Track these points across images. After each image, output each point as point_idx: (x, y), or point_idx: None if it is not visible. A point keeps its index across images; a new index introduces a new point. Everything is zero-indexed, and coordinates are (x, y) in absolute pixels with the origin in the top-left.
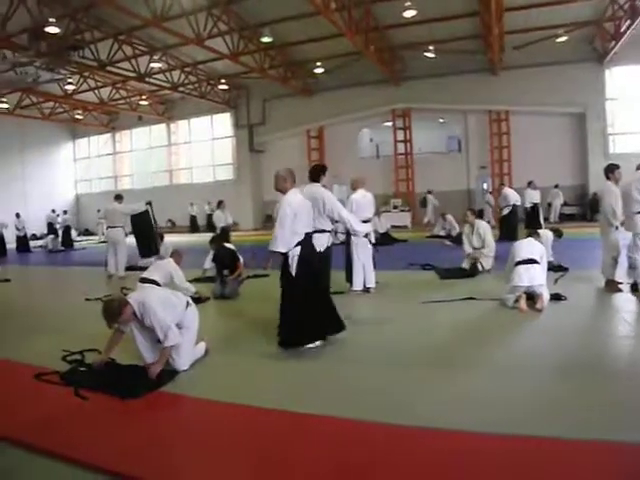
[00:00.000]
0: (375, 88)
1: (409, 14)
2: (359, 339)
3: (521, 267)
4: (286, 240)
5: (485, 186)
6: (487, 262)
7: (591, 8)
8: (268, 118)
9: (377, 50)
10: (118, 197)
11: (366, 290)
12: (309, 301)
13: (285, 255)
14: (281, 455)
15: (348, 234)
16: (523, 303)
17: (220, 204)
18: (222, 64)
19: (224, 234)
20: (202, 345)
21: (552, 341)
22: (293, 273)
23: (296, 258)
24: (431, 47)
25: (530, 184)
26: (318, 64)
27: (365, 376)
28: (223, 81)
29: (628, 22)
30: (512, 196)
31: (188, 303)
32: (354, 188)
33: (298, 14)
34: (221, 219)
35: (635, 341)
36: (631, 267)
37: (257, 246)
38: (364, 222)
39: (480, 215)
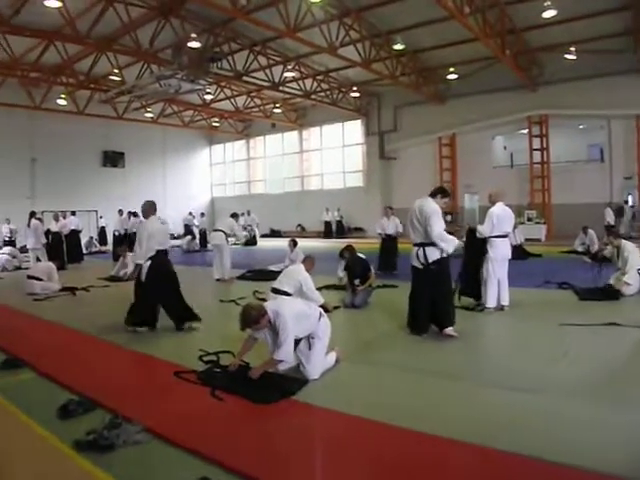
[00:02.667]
0: (510, 94)
1: (549, 14)
2: (496, 361)
3: None
4: (142, 255)
5: (630, 200)
6: (628, 289)
7: None
8: (399, 125)
9: (513, 54)
10: (234, 215)
11: (500, 308)
12: (152, 298)
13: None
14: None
15: (483, 247)
16: None
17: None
18: (354, 72)
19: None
20: (333, 355)
21: None
22: (143, 278)
23: (146, 267)
24: (572, 48)
25: None
26: (451, 70)
27: (505, 403)
28: (355, 88)
29: None
30: None
31: (321, 314)
32: (493, 202)
33: (430, 19)
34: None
35: None
36: None
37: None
38: (502, 237)
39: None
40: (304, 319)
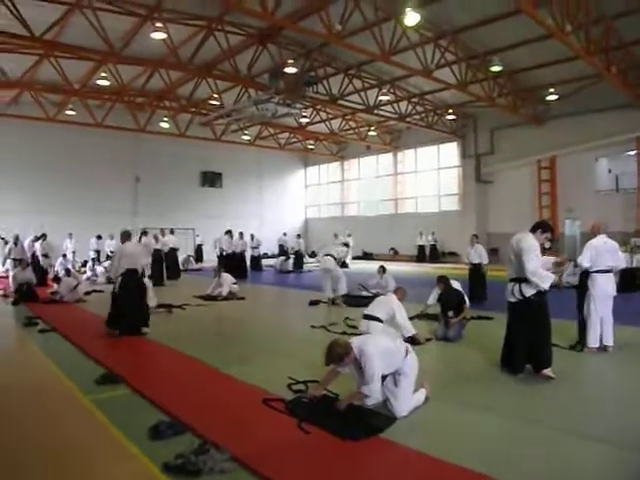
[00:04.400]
0: (616, 112)
1: None
2: (595, 409)
3: None
4: (115, 271)
5: None
6: None
7: None
8: (496, 147)
9: (619, 71)
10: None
11: (603, 348)
12: (121, 305)
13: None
14: None
15: (582, 282)
16: None
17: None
18: (449, 94)
19: None
20: (422, 392)
21: None
22: (116, 290)
23: (119, 281)
24: None
25: None
26: (550, 90)
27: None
28: (450, 111)
29: None
30: None
31: (407, 350)
32: (594, 233)
33: (528, 39)
34: None
35: None
36: None
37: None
38: (606, 272)
39: None
40: (390, 356)
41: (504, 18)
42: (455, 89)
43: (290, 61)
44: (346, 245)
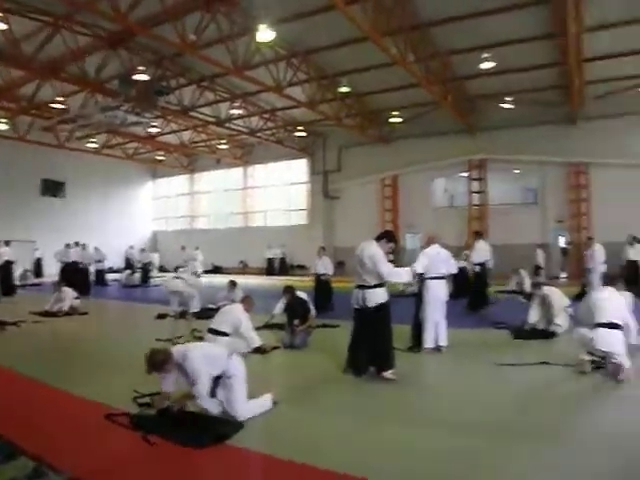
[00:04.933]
0: (451, 138)
1: (487, 66)
2: (427, 402)
3: (602, 330)
4: None
5: (561, 241)
6: (558, 329)
7: None
8: (343, 165)
9: (454, 100)
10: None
11: (437, 349)
12: None
13: None
14: None
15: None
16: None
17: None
18: (300, 111)
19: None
20: (268, 397)
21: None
22: None
23: None
24: (508, 98)
25: (635, 239)
26: (395, 113)
27: (440, 448)
28: (300, 128)
29: None
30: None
31: (230, 353)
32: (428, 243)
33: (376, 64)
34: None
35: None
36: None
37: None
38: (437, 278)
39: (537, 272)
40: (213, 358)
41: (353, 43)
42: (305, 107)
43: (141, 68)
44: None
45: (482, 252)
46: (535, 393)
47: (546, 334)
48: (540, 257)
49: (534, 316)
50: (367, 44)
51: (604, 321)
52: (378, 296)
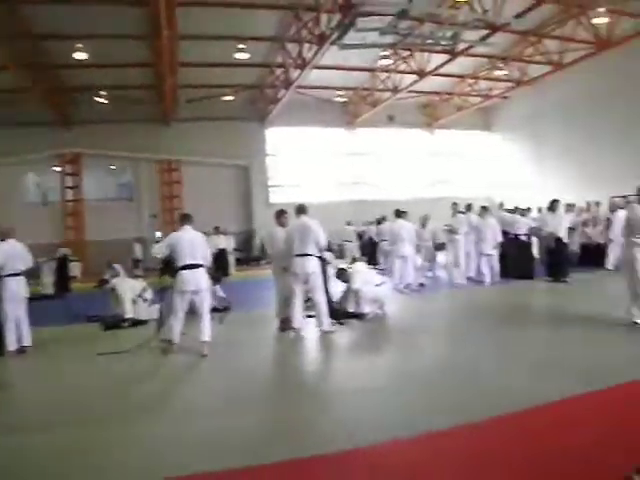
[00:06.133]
0: (43, 129)
1: (80, 56)
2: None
3: None
4: None
5: (158, 235)
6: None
7: (255, 74)
8: None
9: (47, 89)
10: None
11: (22, 350)
12: None
13: None
14: None
15: None
16: None
17: None
18: None
19: None
20: None
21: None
22: None
23: None
24: (103, 92)
25: (217, 229)
26: None
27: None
28: None
29: (283, 91)
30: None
31: None
32: (2, 238)
33: None
34: None
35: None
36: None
37: None
38: (16, 275)
39: (136, 265)
40: None
41: None
42: None
43: None
44: None
45: None
46: (132, 376)
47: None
48: (138, 251)
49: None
50: None
51: None
52: None
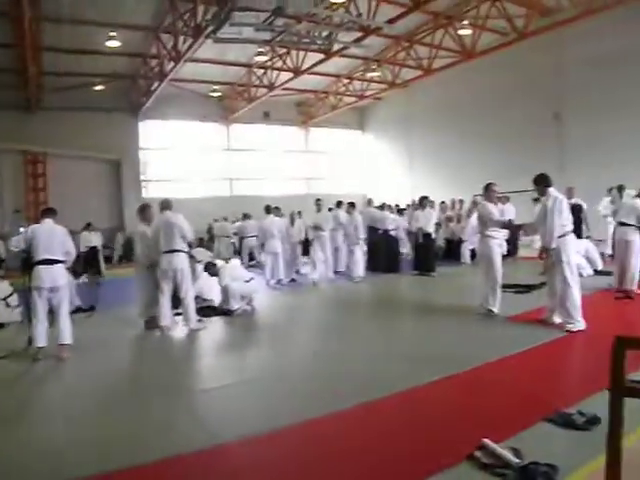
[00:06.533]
0: None
1: None
2: None
3: None
4: None
5: (22, 231)
6: None
7: (128, 64)
8: None
9: None
10: None
11: None
12: None
13: None
14: None
15: None
16: None
17: None
18: None
19: None
20: None
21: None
22: None
23: None
24: None
25: (89, 226)
26: None
27: None
28: None
29: (157, 83)
30: None
31: None
32: None
33: None
34: None
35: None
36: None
37: None
38: None
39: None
40: None
41: None
42: None
43: None
44: None
45: None
46: None
47: None
48: (0, 249)
49: None
50: None
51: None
52: None
